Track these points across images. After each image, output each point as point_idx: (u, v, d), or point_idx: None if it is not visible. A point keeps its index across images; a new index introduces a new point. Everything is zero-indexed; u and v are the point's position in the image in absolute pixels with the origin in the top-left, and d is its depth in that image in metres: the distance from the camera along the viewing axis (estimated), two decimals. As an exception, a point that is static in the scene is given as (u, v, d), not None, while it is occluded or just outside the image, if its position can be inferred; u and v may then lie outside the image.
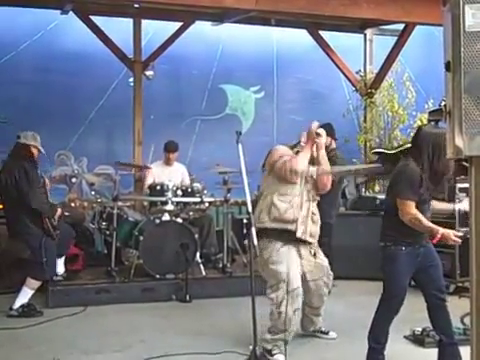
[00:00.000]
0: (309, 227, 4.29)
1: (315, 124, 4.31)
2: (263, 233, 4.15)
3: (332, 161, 5.88)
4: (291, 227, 4.22)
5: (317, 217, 4.40)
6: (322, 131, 4.34)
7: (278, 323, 4.17)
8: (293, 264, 4.22)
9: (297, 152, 4.36)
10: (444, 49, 2.10)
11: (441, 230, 3.61)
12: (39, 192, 5.32)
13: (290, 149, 4.43)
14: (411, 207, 3.64)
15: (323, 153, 4.35)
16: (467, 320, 4.53)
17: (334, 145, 6.37)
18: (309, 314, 4.61)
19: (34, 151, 5.43)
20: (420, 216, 3.63)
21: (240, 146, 3.88)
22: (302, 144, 4.36)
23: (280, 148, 4.41)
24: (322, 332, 4.70)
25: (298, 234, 4.23)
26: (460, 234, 3.69)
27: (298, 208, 4.22)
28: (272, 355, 4.17)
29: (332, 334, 4.70)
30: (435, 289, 3.83)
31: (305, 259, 4.34)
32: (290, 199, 4.23)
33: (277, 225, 4.22)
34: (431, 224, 3.66)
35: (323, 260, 4.49)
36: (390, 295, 3.81)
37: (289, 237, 4.24)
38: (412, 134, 8.05)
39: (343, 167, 5.47)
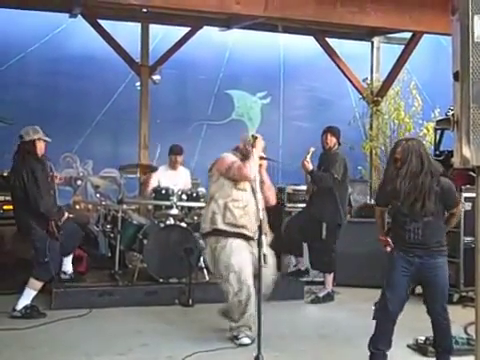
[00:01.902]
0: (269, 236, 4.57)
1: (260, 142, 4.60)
2: (217, 232, 4.51)
3: (332, 160, 5.89)
4: (245, 231, 4.51)
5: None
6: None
7: (235, 311, 4.49)
8: (244, 257, 4.47)
9: (242, 159, 4.59)
10: (452, 59, 2.10)
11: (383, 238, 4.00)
12: (48, 196, 5.29)
13: (238, 151, 4.71)
14: (377, 209, 4.07)
15: (265, 173, 4.73)
16: (470, 330, 4.52)
17: (336, 148, 6.36)
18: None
19: (39, 144, 5.36)
20: (379, 220, 4.04)
21: (254, 150, 3.93)
22: (247, 148, 4.61)
23: (229, 156, 4.68)
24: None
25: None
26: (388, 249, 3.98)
27: (253, 216, 4.47)
28: (238, 339, 4.51)
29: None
30: (436, 304, 3.84)
31: (254, 252, 4.50)
32: (244, 205, 4.52)
33: (230, 229, 4.50)
34: (382, 228, 4.06)
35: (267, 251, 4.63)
36: (386, 296, 3.82)
37: (241, 237, 4.53)
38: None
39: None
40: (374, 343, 3.86)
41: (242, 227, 4.51)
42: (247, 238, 4.55)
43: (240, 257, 4.49)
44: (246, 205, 4.53)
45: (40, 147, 5.38)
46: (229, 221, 4.48)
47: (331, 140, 6.04)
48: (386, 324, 3.82)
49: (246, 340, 4.51)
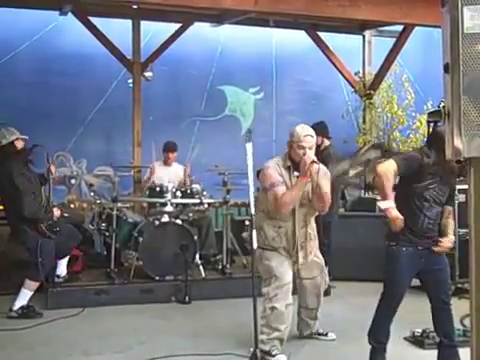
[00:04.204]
0: (308, 248, 4.33)
1: (309, 158, 4.11)
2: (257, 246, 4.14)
3: (325, 160, 5.86)
4: (280, 251, 4.26)
5: (314, 233, 4.40)
6: (314, 157, 4.17)
7: (271, 319, 4.16)
8: (284, 261, 4.25)
9: (288, 167, 4.23)
10: (443, 51, 2.10)
11: (393, 212, 3.57)
12: (30, 198, 5.22)
13: (282, 161, 4.28)
14: (391, 165, 3.60)
15: (320, 181, 4.15)
16: (467, 321, 4.53)
17: (327, 143, 6.33)
18: (305, 317, 4.61)
19: (17, 143, 5.32)
20: (390, 177, 3.57)
21: (249, 145, 3.89)
22: (296, 174, 4.19)
23: (271, 169, 4.21)
24: (320, 334, 4.69)
25: (300, 261, 4.28)
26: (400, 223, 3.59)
27: (286, 236, 4.23)
28: (273, 356, 4.15)
29: (331, 335, 4.69)
30: (440, 292, 3.84)
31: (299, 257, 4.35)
32: (280, 225, 4.23)
33: (266, 247, 4.28)
34: (388, 193, 3.58)
35: (318, 258, 4.49)
36: (389, 294, 3.82)
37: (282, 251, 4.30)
38: (412, 135, 8.11)
39: (339, 167, 5.42)
40: (377, 337, 3.86)
41: (274, 249, 4.24)
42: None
43: (279, 259, 4.22)
44: (280, 226, 4.22)
45: (18, 146, 5.35)
46: (263, 240, 4.23)
47: (316, 139, 6.01)
48: (391, 318, 3.83)
49: (282, 357, 4.15)
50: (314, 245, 4.42)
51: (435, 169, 3.67)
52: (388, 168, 3.62)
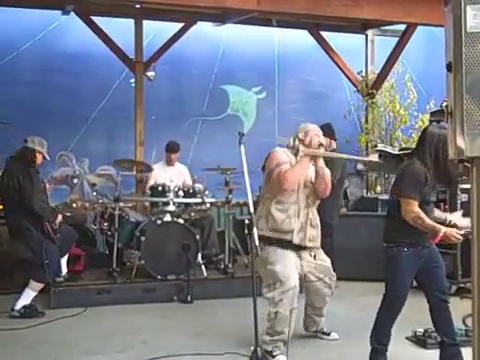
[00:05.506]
0: (308, 232, 4.32)
1: (318, 137, 4.30)
2: (262, 238, 4.11)
3: (332, 162, 5.84)
4: (287, 237, 4.25)
5: (317, 221, 4.40)
6: (322, 138, 4.34)
7: (275, 324, 4.17)
8: (290, 264, 4.23)
9: (296, 153, 4.32)
10: (445, 50, 2.11)
11: (443, 229, 3.59)
12: (41, 196, 5.35)
13: (289, 150, 4.38)
14: (414, 205, 3.61)
15: (322, 163, 4.33)
16: (469, 321, 4.52)
17: (334, 145, 6.32)
18: (312, 314, 4.62)
19: (39, 156, 5.46)
20: (423, 215, 3.60)
21: (242, 147, 3.90)
22: (301, 153, 4.27)
23: (278, 152, 4.35)
24: (324, 333, 4.69)
25: (296, 241, 4.27)
26: (462, 232, 3.65)
27: (295, 216, 4.25)
28: (274, 356, 4.17)
29: (334, 335, 4.68)
30: (437, 290, 3.83)
31: (305, 260, 4.35)
32: (287, 207, 4.25)
33: (274, 234, 4.26)
34: (434, 223, 3.62)
35: (324, 261, 4.48)
36: (392, 296, 3.81)
37: (287, 244, 4.28)
38: (414, 135, 8.08)
39: (339, 155, 5.47)
40: (378, 338, 3.85)
41: (285, 233, 4.23)
42: (294, 247, 4.26)
43: (284, 263, 4.19)
44: (289, 208, 4.23)
45: (38, 159, 5.47)
46: (272, 226, 4.22)
47: (325, 139, 6.00)
48: (393, 320, 3.83)
49: (282, 358, 4.13)
50: (316, 235, 4.40)
51: (438, 178, 3.70)
52: (413, 209, 3.61)
